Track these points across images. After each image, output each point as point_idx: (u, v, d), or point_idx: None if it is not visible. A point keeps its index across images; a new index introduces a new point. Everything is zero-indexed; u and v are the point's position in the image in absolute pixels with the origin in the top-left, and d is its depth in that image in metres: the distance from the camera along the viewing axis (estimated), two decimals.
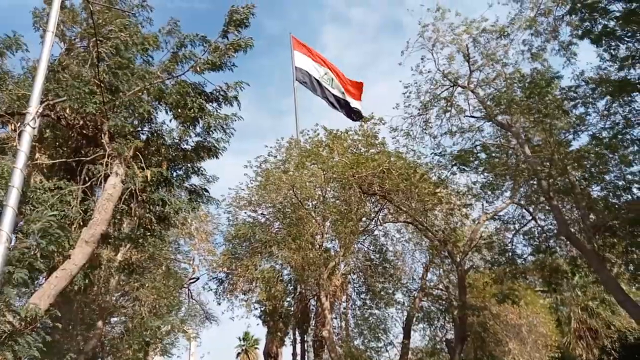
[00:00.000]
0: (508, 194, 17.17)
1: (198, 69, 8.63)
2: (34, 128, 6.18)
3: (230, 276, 24.04)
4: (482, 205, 17.61)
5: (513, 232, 16.73)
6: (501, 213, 17.42)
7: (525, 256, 16.22)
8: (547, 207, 15.33)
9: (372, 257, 23.76)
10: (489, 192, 16.43)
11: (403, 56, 16.17)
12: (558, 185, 14.32)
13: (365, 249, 24.11)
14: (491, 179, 16.11)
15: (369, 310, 23.99)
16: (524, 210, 16.69)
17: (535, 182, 14.74)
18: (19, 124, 6.87)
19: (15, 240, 6.74)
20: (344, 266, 23.64)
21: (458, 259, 17.40)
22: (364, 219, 20.95)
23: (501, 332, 20.69)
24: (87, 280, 8.39)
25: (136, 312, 16.57)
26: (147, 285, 16.49)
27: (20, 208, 6.20)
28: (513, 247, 16.27)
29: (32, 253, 6.32)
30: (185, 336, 23.83)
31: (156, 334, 16.88)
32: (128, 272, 10.83)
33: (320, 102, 26.63)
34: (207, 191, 9.71)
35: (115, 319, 18.02)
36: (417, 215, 17.99)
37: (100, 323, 14.66)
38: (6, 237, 5.41)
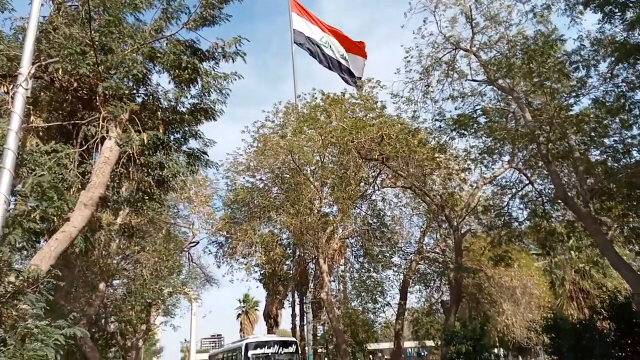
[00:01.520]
0: (506, 158, 17.17)
1: (191, 25, 8.38)
2: (27, 89, 6.07)
3: (229, 240, 24.32)
4: (480, 170, 17.62)
5: (510, 196, 16.84)
6: (499, 177, 17.48)
7: (521, 220, 16.39)
8: (545, 172, 15.36)
9: (370, 221, 23.97)
10: (488, 157, 16.40)
11: (405, 18, 15.78)
12: (557, 149, 14.29)
13: (364, 214, 24.30)
14: (490, 143, 16.04)
15: (367, 273, 24.45)
16: (521, 175, 16.73)
17: (534, 147, 14.69)
18: (12, 85, 6.73)
19: (14, 203, 6.75)
20: (342, 230, 23.90)
21: (455, 223, 17.59)
22: (362, 184, 20.99)
23: (496, 294, 21.20)
24: (87, 243, 8.47)
25: (138, 275, 16.84)
26: (147, 248, 16.68)
27: (17, 171, 6.18)
28: (509, 210, 16.41)
29: (31, 216, 6.33)
30: (186, 298, 24.33)
31: (158, 295, 17.23)
32: (128, 235, 10.91)
33: (319, 67, 26.21)
34: (205, 154, 9.65)
35: (117, 281, 18.33)
36: (416, 180, 18.04)
37: (102, 285, 14.91)
38: (4, 199, 5.41)
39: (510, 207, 16.83)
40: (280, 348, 19.12)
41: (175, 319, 24.67)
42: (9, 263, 5.68)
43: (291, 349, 19.45)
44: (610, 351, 10.32)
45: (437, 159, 17.96)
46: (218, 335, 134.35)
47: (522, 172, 16.59)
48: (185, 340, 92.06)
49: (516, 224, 16.29)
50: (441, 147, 17.11)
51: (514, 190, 16.82)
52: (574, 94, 13.55)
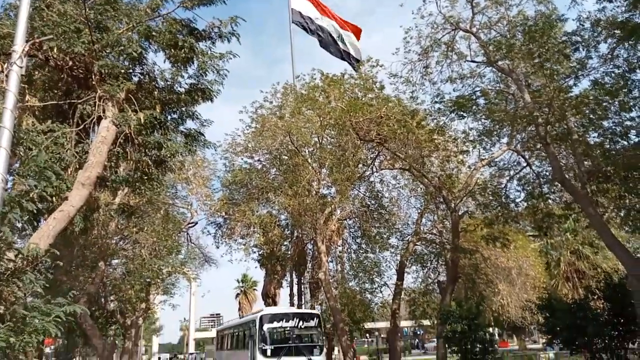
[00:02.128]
0: (505, 140, 17.16)
1: (188, 4, 8.25)
2: (21, 67, 6.01)
3: (228, 221, 24.42)
4: (479, 151, 17.63)
5: (508, 178, 16.88)
6: (497, 159, 17.50)
7: (518, 201, 16.47)
8: (543, 154, 15.37)
9: (368, 203, 24.07)
10: (486, 139, 16.39)
11: None
12: (555, 131, 14.27)
13: (362, 195, 24.38)
14: (489, 125, 16.00)
15: (364, 254, 24.66)
16: (519, 157, 16.74)
17: (532, 128, 14.67)
18: (6, 64, 6.66)
19: (12, 182, 6.75)
20: (340, 212, 23.99)
21: (453, 205, 17.67)
22: (360, 165, 21.01)
23: (492, 274, 21.44)
24: (86, 223, 8.51)
25: (136, 255, 16.97)
26: (146, 228, 16.77)
27: (13, 150, 6.16)
28: (507, 192, 16.48)
29: (30, 195, 6.33)
30: (185, 277, 24.56)
31: (157, 274, 17.40)
32: (127, 215, 10.95)
33: (318, 47, 25.89)
34: (202, 135, 9.62)
35: (116, 261, 18.49)
36: (414, 162, 18.04)
37: (101, 264, 15.05)
38: (1, 178, 5.41)
39: (507, 189, 16.93)
40: (301, 321, 16.85)
41: (175, 298, 24.99)
42: (9, 242, 5.71)
43: (312, 323, 17.14)
44: (602, 330, 10.53)
45: (436, 141, 17.94)
46: (217, 314, 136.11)
47: (520, 154, 16.60)
48: (185, 319, 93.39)
49: (513, 205, 16.38)
50: (440, 128, 17.07)
51: (512, 172, 16.87)
52: (573, 76, 13.48)
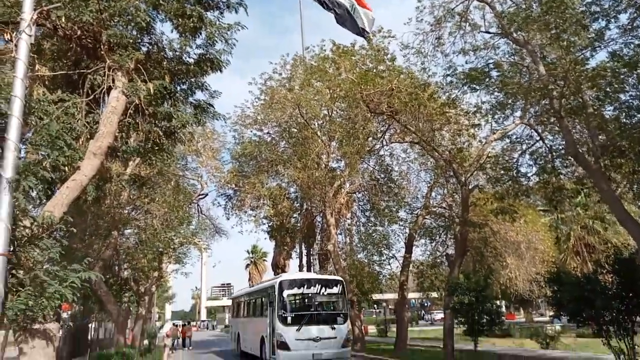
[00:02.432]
0: (518, 114, 16.87)
1: None
2: (30, 36, 6.00)
3: (238, 193, 24.66)
4: (491, 125, 17.37)
5: (520, 153, 16.68)
6: (509, 133, 17.26)
7: (529, 175, 16.32)
8: (556, 128, 15.11)
9: (378, 176, 24.08)
10: (499, 112, 16.12)
11: None
12: (570, 104, 13.98)
13: (371, 169, 24.38)
14: (502, 98, 15.71)
15: (373, 227, 24.83)
16: (532, 131, 16.49)
17: (547, 102, 14.38)
18: (15, 33, 6.65)
19: (25, 151, 6.85)
20: (349, 185, 24.06)
21: (463, 179, 17.56)
22: (370, 138, 20.88)
23: (500, 248, 21.49)
24: (98, 192, 8.65)
25: (148, 225, 17.27)
26: (157, 199, 17.01)
27: (25, 119, 6.22)
28: (518, 166, 16.31)
29: (43, 164, 6.42)
30: (196, 248, 24.98)
31: (169, 244, 17.71)
32: (138, 185, 11.08)
33: (328, 19, 25.35)
34: (212, 106, 9.60)
35: (128, 230, 18.83)
36: (424, 135, 17.87)
37: (114, 233, 15.37)
38: (14, 146, 5.50)
39: (519, 163, 16.75)
40: (323, 288, 15.85)
41: (186, 267, 25.50)
42: (24, 209, 5.85)
43: (336, 290, 16.14)
44: (611, 303, 10.54)
45: (447, 114, 17.71)
46: (227, 284, 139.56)
47: (533, 127, 16.34)
48: (196, 288, 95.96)
49: (524, 179, 16.24)
50: (451, 101, 16.82)
51: (524, 146, 16.65)
52: (590, 47, 13.08)
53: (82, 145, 7.57)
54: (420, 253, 25.17)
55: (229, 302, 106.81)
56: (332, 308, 16.26)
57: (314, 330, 14.77)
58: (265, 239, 39.09)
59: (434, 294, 28.82)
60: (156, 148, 9.48)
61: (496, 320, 15.76)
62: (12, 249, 5.51)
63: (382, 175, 23.79)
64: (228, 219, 27.84)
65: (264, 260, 61.03)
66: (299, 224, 28.31)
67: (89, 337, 25.06)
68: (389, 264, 23.74)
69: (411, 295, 34.08)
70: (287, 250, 31.72)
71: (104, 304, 17.07)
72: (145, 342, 26.47)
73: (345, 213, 26.48)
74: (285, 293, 15.29)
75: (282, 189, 24.79)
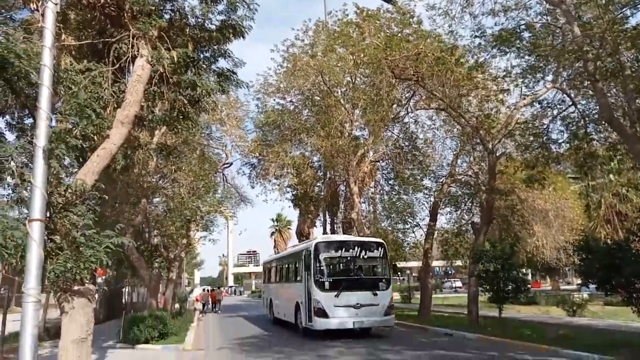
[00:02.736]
0: (550, 78, 16.24)
1: None
2: (56, 4, 6.02)
3: (262, 162, 24.85)
4: (521, 90, 16.80)
5: (550, 118, 16.15)
6: (540, 98, 16.66)
7: (560, 141, 15.84)
8: (590, 91, 14.51)
9: (402, 144, 23.81)
10: (529, 76, 15.54)
11: None
12: (606, 67, 13.33)
13: (395, 137, 24.09)
14: (533, 61, 15.09)
15: (397, 196, 24.75)
16: (564, 95, 15.89)
17: (581, 64, 13.75)
18: (40, 2, 6.69)
19: (55, 121, 7.01)
20: (373, 153, 23.90)
21: (490, 146, 17.19)
22: (394, 105, 20.52)
23: (528, 216, 21.16)
24: (127, 161, 8.84)
25: (176, 193, 17.66)
26: (184, 168, 17.31)
27: (55, 89, 6.33)
28: (549, 132, 15.84)
29: (73, 133, 6.57)
30: (222, 216, 25.47)
31: (196, 212, 18.10)
32: (165, 154, 11.27)
33: None
34: (235, 74, 9.55)
35: (157, 199, 19.33)
36: (451, 101, 17.44)
37: (144, 201, 15.80)
38: (46, 115, 5.62)
39: (550, 129, 16.25)
40: (363, 251, 14.72)
41: (213, 234, 26.10)
42: (58, 177, 6.04)
43: (377, 253, 15.06)
44: None
45: (475, 79, 17.17)
46: (253, 251, 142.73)
47: (565, 92, 15.74)
48: (223, 255, 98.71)
49: (555, 146, 15.78)
50: (479, 65, 16.27)
51: (555, 112, 16.10)
52: (631, 5, 12.33)
53: (109, 115, 7.69)
54: (445, 221, 25.05)
55: (255, 269, 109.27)
56: (373, 273, 15.22)
57: (354, 296, 13.80)
58: (289, 207, 39.54)
59: (458, 262, 28.81)
60: (181, 117, 9.54)
61: (522, 287, 15.71)
62: (48, 215, 5.72)
63: (407, 143, 23.50)
64: (253, 187, 28.19)
65: (289, 228, 61.98)
66: (322, 193, 28.46)
67: (123, 301, 26.29)
68: (413, 232, 23.76)
69: (435, 263, 34.16)
70: (311, 219, 32.07)
71: (136, 269, 17.75)
72: (177, 305, 27.58)
73: (369, 182, 26.42)
74: (322, 256, 14.22)
75: (305, 158, 24.85)
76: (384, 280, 14.77)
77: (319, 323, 13.57)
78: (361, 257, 14.76)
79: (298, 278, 16.03)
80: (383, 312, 14.08)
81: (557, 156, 15.78)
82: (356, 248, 14.70)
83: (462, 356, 10.92)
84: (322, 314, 13.51)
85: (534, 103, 16.93)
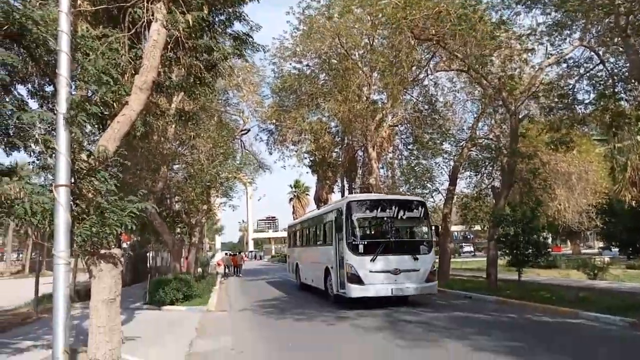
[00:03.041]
0: (577, 35, 15.54)
1: None
2: None
3: (279, 128, 24.77)
4: (546, 49, 16.15)
5: (577, 78, 15.57)
6: (566, 57, 16.01)
7: (586, 102, 15.32)
8: (620, 48, 13.89)
9: (421, 108, 23.38)
10: (555, 34, 14.90)
11: None
12: (638, 22, 12.68)
13: (414, 100, 23.63)
14: (560, 18, 14.42)
15: (416, 160, 24.52)
16: (592, 53, 15.23)
17: (611, 20, 13.11)
18: None
19: (75, 87, 7.04)
20: (392, 118, 23.55)
21: (513, 108, 16.73)
22: (413, 68, 20.00)
23: (550, 180, 20.79)
24: (146, 127, 8.89)
25: (195, 160, 17.84)
26: (202, 135, 17.39)
27: (72, 55, 6.32)
28: (575, 92, 15.30)
29: (92, 100, 6.59)
30: (241, 182, 25.74)
31: (216, 179, 18.29)
32: (184, 120, 11.28)
33: None
34: (251, 37, 9.37)
35: (177, 165, 19.58)
36: (473, 62, 16.89)
37: (164, 168, 16.03)
38: (65, 82, 5.65)
39: (575, 89, 15.70)
40: (402, 211, 13.34)
41: (233, 200, 26.52)
42: (81, 143, 6.12)
43: (417, 213, 13.79)
44: None
45: (498, 38, 16.53)
46: (272, 217, 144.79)
47: (593, 50, 15.08)
48: (243, 221, 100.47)
49: (580, 106, 15.28)
50: (503, 23, 15.65)
51: (581, 71, 15.49)
52: None
53: (127, 81, 7.67)
54: (465, 185, 24.82)
55: (274, 235, 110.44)
56: (413, 235, 14.21)
57: (392, 260, 12.57)
58: (307, 173, 39.71)
59: (477, 226, 28.72)
60: (198, 82, 9.49)
61: (542, 251, 15.63)
62: (73, 181, 5.84)
63: (426, 107, 23.05)
64: (271, 153, 28.32)
65: (307, 194, 62.44)
66: (340, 158, 28.39)
67: (148, 265, 27.18)
68: (432, 197, 23.65)
69: (454, 228, 34.13)
70: (329, 185, 32.17)
71: (159, 235, 18.22)
72: (199, 270, 28.41)
73: (387, 146, 26.20)
74: (355, 216, 13.02)
75: (323, 123, 24.66)
76: (425, 243, 13.53)
77: (353, 290, 12.37)
78: (399, 217, 13.33)
79: (328, 241, 14.81)
80: (424, 278, 12.87)
81: (582, 117, 15.29)
82: (393, 207, 13.27)
83: (481, 318, 11.03)
84: (356, 280, 12.33)
85: (560, 62, 16.32)
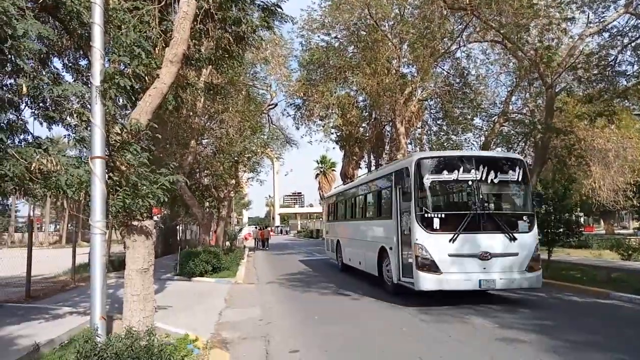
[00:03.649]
0: (622, 2, 14.67)
1: None
2: None
3: (306, 102, 24.59)
4: (587, 17, 15.34)
5: (620, 48, 14.79)
6: (609, 26, 15.18)
7: (628, 74, 14.57)
8: None
9: (452, 81, 22.76)
10: (599, 1, 14.11)
11: None
12: None
13: (445, 73, 23.01)
14: None
15: (445, 136, 24.04)
16: (638, 21, 14.39)
17: None
18: None
19: (109, 60, 7.09)
20: (421, 92, 23.03)
21: (549, 80, 16.06)
22: (445, 39, 19.37)
23: (586, 156, 20.06)
24: (177, 101, 8.93)
25: (224, 134, 17.96)
26: (230, 109, 17.44)
27: (105, 28, 6.34)
28: (617, 63, 14.55)
29: (125, 73, 6.63)
30: (268, 157, 25.86)
31: (243, 153, 18.40)
32: (213, 93, 11.29)
33: None
34: (279, 7, 9.21)
35: (206, 140, 19.79)
36: (508, 32, 16.20)
37: (193, 142, 16.21)
38: (99, 54, 5.68)
39: (617, 60, 14.93)
40: (492, 172, 9.48)
41: (260, 175, 26.78)
42: (114, 116, 6.21)
43: (513, 175, 9.69)
44: None
45: (536, 6, 15.76)
46: (298, 193, 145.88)
47: (639, 17, 14.23)
48: (270, 196, 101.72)
49: (622, 79, 14.54)
50: None
51: (625, 40, 14.69)
52: None
53: (158, 54, 7.69)
54: None
55: (300, 210, 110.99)
56: (509, 205, 10.13)
57: (480, 241, 9.13)
58: (334, 148, 39.56)
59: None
60: (226, 55, 9.44)
61: (573, 230, 15.20)
62: (107, 153, 5.95)
63: (458, 80, 22.42)
64: (298, 128, 28.23)
65: (333, 170, 62.30)
66: (367, 134, 28.10)
67: (178, 238, 27.91)
68: None
69: None
70: (355, 160, 31.99)
71: (189, 208, 18.60)
72: (227, 243, 29.01)
73: (416, 122, 25.72)
74: (428, 180, 9.39)
75: (350, 97, 24.35)
76: (525, 217, 9.59)
77: (424, 280, 8.97)
78: (489, 180, 9.48)
79: (384, 214, 11.41)
80: (525, 265, 9.25)
81: (624, 90, 14.58)
82: (480, 167, 9.43)
83: (510, 297, 10.89)
84: (430, 266, 8.96)
85: (602, 32, 15.50)
